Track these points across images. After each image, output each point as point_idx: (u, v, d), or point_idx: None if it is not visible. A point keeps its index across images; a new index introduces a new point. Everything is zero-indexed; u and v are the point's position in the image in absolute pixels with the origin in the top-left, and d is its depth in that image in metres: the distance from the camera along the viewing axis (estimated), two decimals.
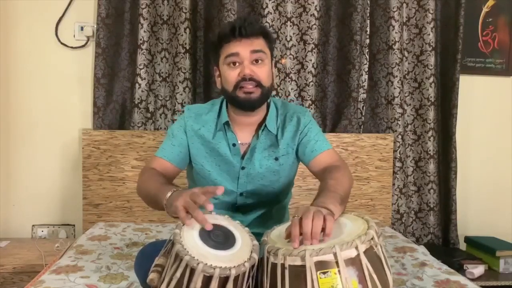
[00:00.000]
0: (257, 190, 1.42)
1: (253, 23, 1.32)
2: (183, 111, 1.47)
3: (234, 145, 1.40)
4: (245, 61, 1.30)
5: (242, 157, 1.41)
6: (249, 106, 1.34)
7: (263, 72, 1.32)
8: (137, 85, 2.33)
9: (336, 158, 1.39)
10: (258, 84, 1.31)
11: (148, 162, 1.44)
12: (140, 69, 2.32)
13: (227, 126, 1.40)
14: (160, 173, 1.35)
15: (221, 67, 1.36)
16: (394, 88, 2.48)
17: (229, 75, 1.32)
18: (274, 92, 2.42)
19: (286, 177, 1.46)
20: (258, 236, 1.17)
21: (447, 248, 2.54)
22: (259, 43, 1.33)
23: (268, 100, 1.43)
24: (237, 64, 1.31)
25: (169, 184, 1.25)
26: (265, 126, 1.40)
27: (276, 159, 1.41)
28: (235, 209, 1.44)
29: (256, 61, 1.32)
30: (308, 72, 2.42)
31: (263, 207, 1.46)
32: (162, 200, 1.15)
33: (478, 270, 2.23)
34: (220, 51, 1.34)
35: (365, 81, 2.47)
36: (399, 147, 2.51)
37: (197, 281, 0.94)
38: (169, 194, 1.14)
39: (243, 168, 1.40)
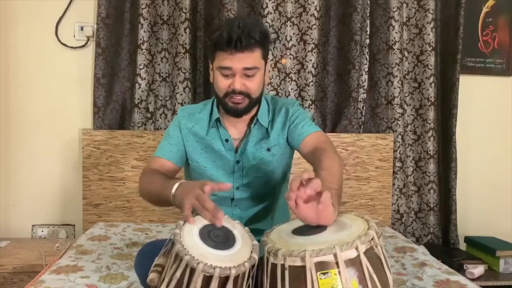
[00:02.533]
0: (252, 183, 1.45)
1: (251, 35, 1.28)
2: (177, 112, 1.52)
3: (227, 140, 1.44)
4: (236, 75, 1.32)
5: (236, 151, 1.44)
6: (236, 114, 1.39)
7: (254, 85, 1.35)
8: (137, 85, 2.33)
9: (322, 139, 1.40)
10: (247, 96, 1.35)
11: (147, 163, 1.46)
12: (140, 69, 2.32)
13: (219, 123, 1.44)
14: (161, 172, 1.37)
15: (214, 70, 1.38)
16: (394, 88, 2.48)
17: (221, 83, 1.35)
18: (274, 92, 2.42)
19: (280, 167, 1.48)
20: (257, 232, 1.18)
21: (447, 248, 2.54)
22: (253, 59, 1.32)
23: None
24: (229, 75, 1.33)
25: (171, 178, 1.27)
26: (257, 120, 1.44)
27: (268, 149, 1.44)
28: (233, 204, 1.46)
29: (248, 74, 1.33)
30: (308, 72, 2.42)
31: (260, 202, 1.48)
32: (168, 195, 1.18)
33: (478, 270, 2.23)
34: (214, 54, 1.35)
35: (365, 81, 2.47)
36: (399, 147, 2.51)
37: (197, 281, 0.94)
38: (176, 186, 1.17)
39: (237, 162, 1.44)
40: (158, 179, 1.30)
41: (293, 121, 1.44)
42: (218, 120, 1.44)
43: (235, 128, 1.45)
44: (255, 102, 1.39)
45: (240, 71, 1.31)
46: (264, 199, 1.48)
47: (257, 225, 1.41)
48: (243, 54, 1.30)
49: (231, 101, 1.35)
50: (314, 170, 1.26)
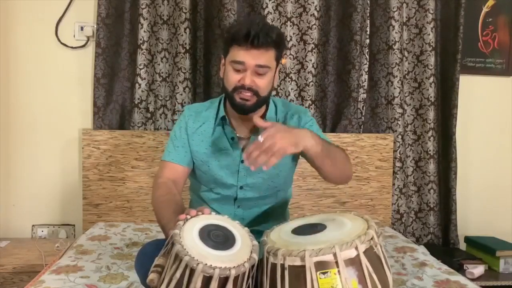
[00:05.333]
0: (257, 183, 1.44)
1: (269, 34, 1.31)
2: (183, 111, 1.51)
3: (232, 139, 1.44)
4: (248, 70, 1.33)
5: (242, 150, 1.43)
6: (243, 110, 1.39)
7: (263, 83, 1.35)
8: (137, 85, 2.33)
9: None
10: (255, 93, 1.35)
11: (158, 169, 1.47)
12: (140, 69, 2.32)
13: (225, 121, 1.44)
14: (173, 193, 1.35)
15: (226, 64, 1.38)
16: (394, 88, 2.48)
17: (231, 77, 1.36)
18: (274, 92, 2.42)
19: (285, 170, 1.47)
20: (258, 234, 1.18)
21: (447, 248, 2.54)
22: (267, 57, 1.33)
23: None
24: (240, 70, 1.34)
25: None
26: (265, 120, 1.42)
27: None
28: (236, 204, 1.46)
29: (259, 72, 1.34)
30: (308, 72, 2.42)
31: (263, 203, 1.48)
32: (167, 233, 1.17)
33: (478, 270, 2.23)
34: (229, 48, 1.36)
35: (365, 81, 2.47)
36: (399, 147, 2.51)
37: (197, 281, 0.94)
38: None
39: (242, 161, 1.42)
40: (168, 210, 1.27)
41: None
42: (224, 118, 1.44)
43: (241, 127, 1.45)
44: (262, 101, 1.39)
45: (252, 67, 1.32)
46: (266, 200, 1.48)
47: (259, 227, 1.41)
48: (258, 51, 1.31)
49: (240, 96, 1.35)
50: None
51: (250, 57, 1.31)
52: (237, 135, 1.44)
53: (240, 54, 1.32)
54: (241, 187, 1.45)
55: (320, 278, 0.92)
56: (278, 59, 1.39)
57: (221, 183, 1.45)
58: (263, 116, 1.44)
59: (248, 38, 1.29)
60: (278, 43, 1.36)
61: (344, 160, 1.35)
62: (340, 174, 1.35)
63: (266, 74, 1.35)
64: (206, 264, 0.94)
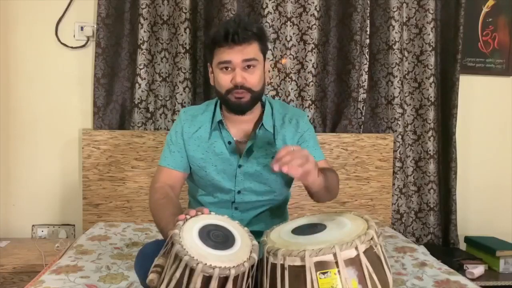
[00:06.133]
0: (254, 187, 1.44)
1: (247, 28, 1.32)
2: (179, 114, 1.51)
3: (229, 143, 1.43)
4: (237, 68, 1.33)
5: (239, 155, 1.43)
6: (239, 110, 1.39)
7: (255, 78, 1.36)
8: (137, 85, 2.33)
9: (329, 166, 1.45)
10: (249, 90, 1.35)
11: (155, 173, 1.47)
12: (140, 69, 2.32)
13: (222, 125, 1.43)
14: (170, 197, 1.36)
15: (214, 68, 1.38)
16: (394, 88, 2.48)
17: (222, 80, 1.36)
18: (274, 92, 2.42)
19: (284, 177, 1.46)
20: (257, 234, 1.17)
21: (447, 248, 2.54)
22: (251, 50, 1.34)
23: (263, 99, 1.47)
24: (229, 69, 1.34)
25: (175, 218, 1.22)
26: (262, 124, 1.42)
27: (274, 157, 1.42)
28: (233, 207, 1.45)
29: (248, 66, 1.34)
30: (308, 72, 2.42)
31: (261, 206, 1.47)
32: (165, 234, 1.17)
33: (478, 270, 2.23)
34: (213, 53, 1.36)
35: (365, 81, 2.47)
36: (399, 147, 2.51)
37: (197, 281, 0.94)
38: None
39: (240, 166, 1.42)
40: (166, 212, 1.28)
41: (305, 138, 1.45)
42: (220, 122, 1.43)
43: (238, 131, 1.44)
44: (257, 97, 1.39)
45: (240, 63, 1.32)
46: (264, 203, 1.47)
47: (258, 227, 1.40)
48: (241, 46, 1.32)
49: (234, 96, 1.35)
50: None
51: (235, 54, 1.32)
52: (234, 139, 1.43)
53: (225, 54, 1.32)
54: (238, 192, 1.44)
55: (320, 278, 0.92)
56: (263, 51, 1.39)
57: (219, 188, 1.44)
58: (260, 118, 1.44)
59: (228, 36, 1.30)
60: (259, 35, 1.36)
61: (335, 187, 1.37)
62: (328, 199, 1.37)
63: (255, 68, 1.35)
64: (206, 263, 0.94)
